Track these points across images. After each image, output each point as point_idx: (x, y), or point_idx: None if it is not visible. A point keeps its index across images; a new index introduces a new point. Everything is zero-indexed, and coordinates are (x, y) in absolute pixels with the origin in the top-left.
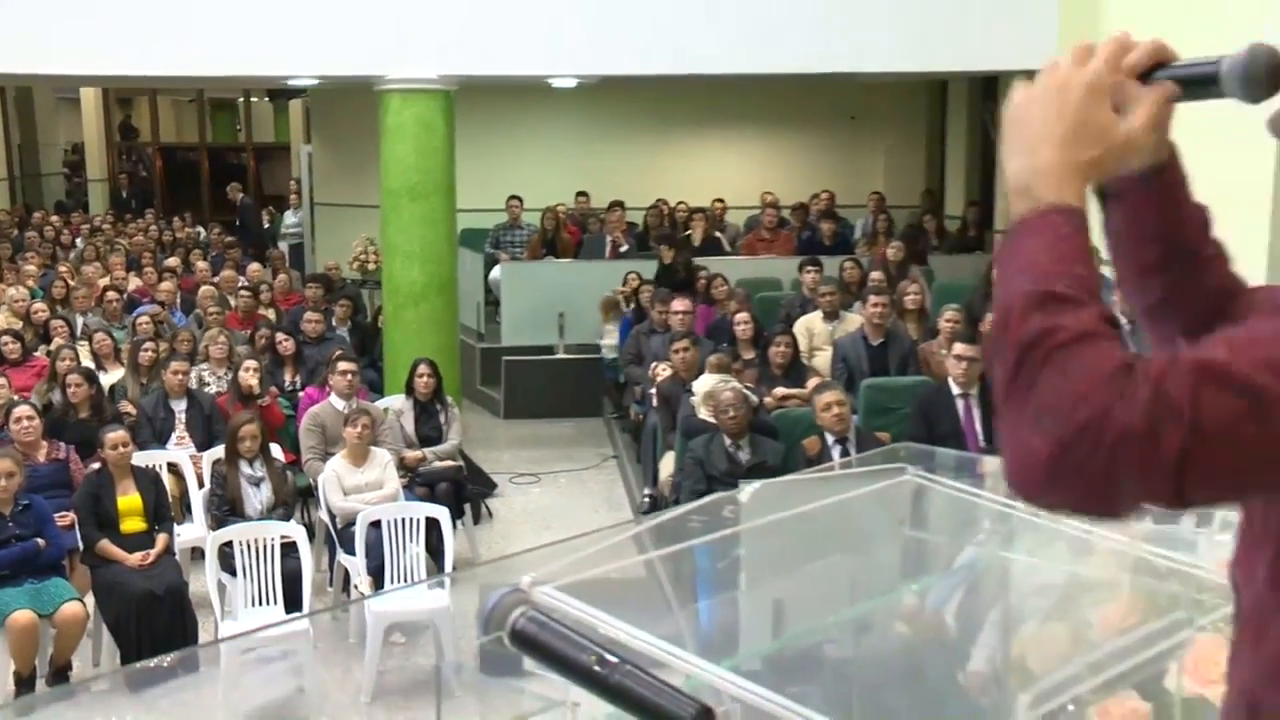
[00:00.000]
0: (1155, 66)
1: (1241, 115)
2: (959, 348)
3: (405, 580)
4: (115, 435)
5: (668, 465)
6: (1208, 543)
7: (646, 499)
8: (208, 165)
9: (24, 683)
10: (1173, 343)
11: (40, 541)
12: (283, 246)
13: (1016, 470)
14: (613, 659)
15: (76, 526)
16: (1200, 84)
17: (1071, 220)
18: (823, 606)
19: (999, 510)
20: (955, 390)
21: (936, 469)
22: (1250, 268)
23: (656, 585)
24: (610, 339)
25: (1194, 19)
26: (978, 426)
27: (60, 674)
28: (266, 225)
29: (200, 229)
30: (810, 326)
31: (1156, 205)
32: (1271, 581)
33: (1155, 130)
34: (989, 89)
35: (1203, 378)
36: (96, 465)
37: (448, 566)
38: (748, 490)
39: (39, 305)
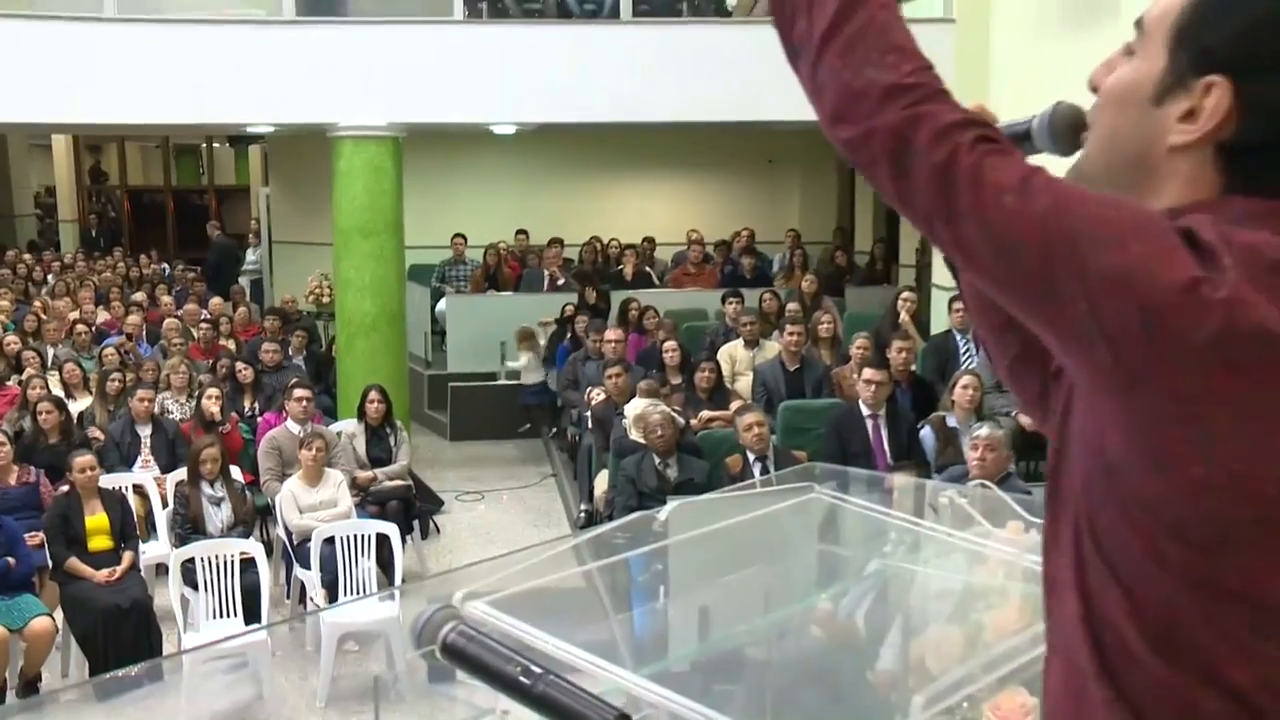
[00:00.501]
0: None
1: None
2: (868, 373)
3: (357, 592)
4: (83, 460)
5: (602, 482)
6: None
7: (583, 514)
8: (173, 206)
9: None
10: (1036, 405)
11: (11, 560)
12: (243, 281)
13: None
14: (537, 670)
15: (46, 545)
16: (1017, 141)
17: None
18: (742, 614)
19: (902, 525)
20: (865, 411)
21: (847, 486)
22: None
23: (587, 597)
24: (519, 364)
25: (1061, 70)
26: (885, 444)
27: (30, 685)
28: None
29: (165, 265)
30: (732, 353)
31: None
32: (1065, 594)
33: None
34: None
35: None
36: (65, 488)
37: (397, 579)
38: (672, 506)
39: (11, 338)
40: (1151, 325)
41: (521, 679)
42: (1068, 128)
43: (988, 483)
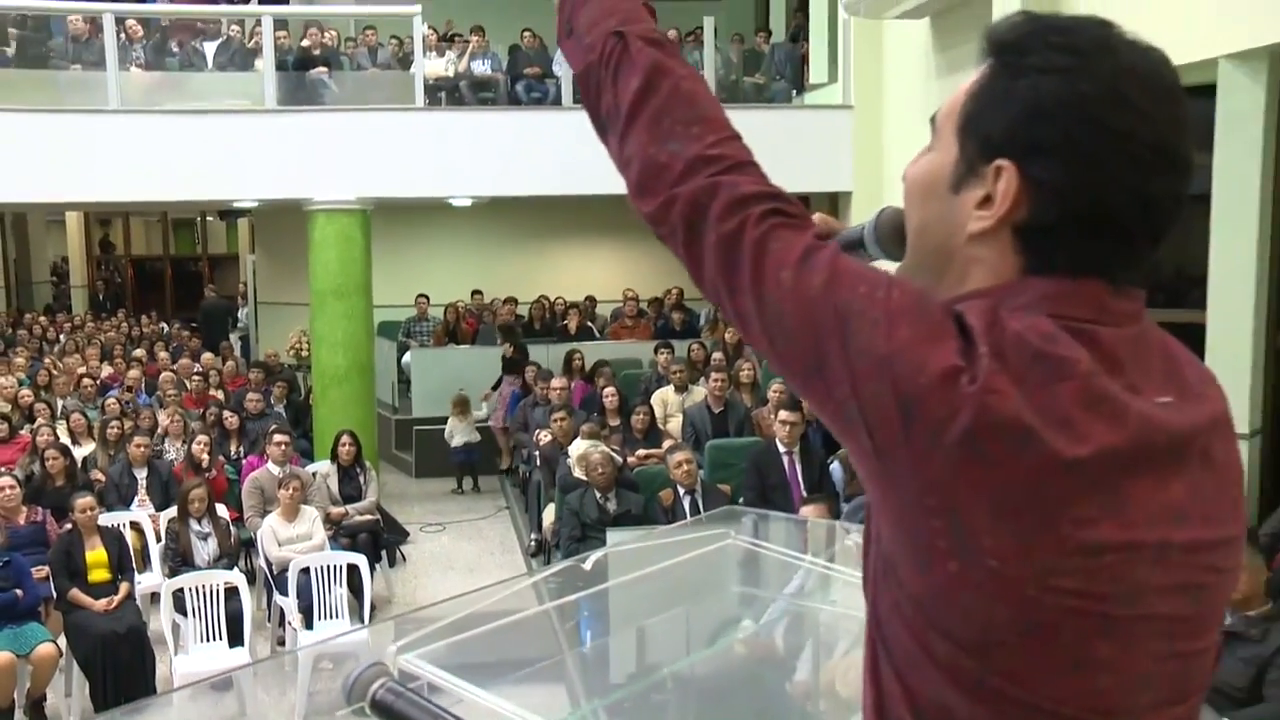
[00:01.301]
0: (828, 236)
1: None
2: (784, 414)
3: (332, 616)
4: (83, 501)
5: (550, 514)
6: None
7: (533, 541)
8: (170, 273)
9: (4, 713)
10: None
11: (19, 592)
12: (233, 338)
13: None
14: None
15: (50, 578)
16: (853, 247)
17: None
18: (670, 651)
19: (809, 568)
20: (782, 449)
21: (767, 526)
22: None
23: (523, 643)
24: (448, 429)
25: None
26: (800, 478)
27: (36, 705)
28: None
29: (164, 325)
30: (664, 398)
31: None
32: (875, 630)
33: None
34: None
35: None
36: (69, 525)
37: (366, 603)
38: (595, 555)
39: (25, 392)
40: (909, 413)
41: None
42: (892, 231)
43: None
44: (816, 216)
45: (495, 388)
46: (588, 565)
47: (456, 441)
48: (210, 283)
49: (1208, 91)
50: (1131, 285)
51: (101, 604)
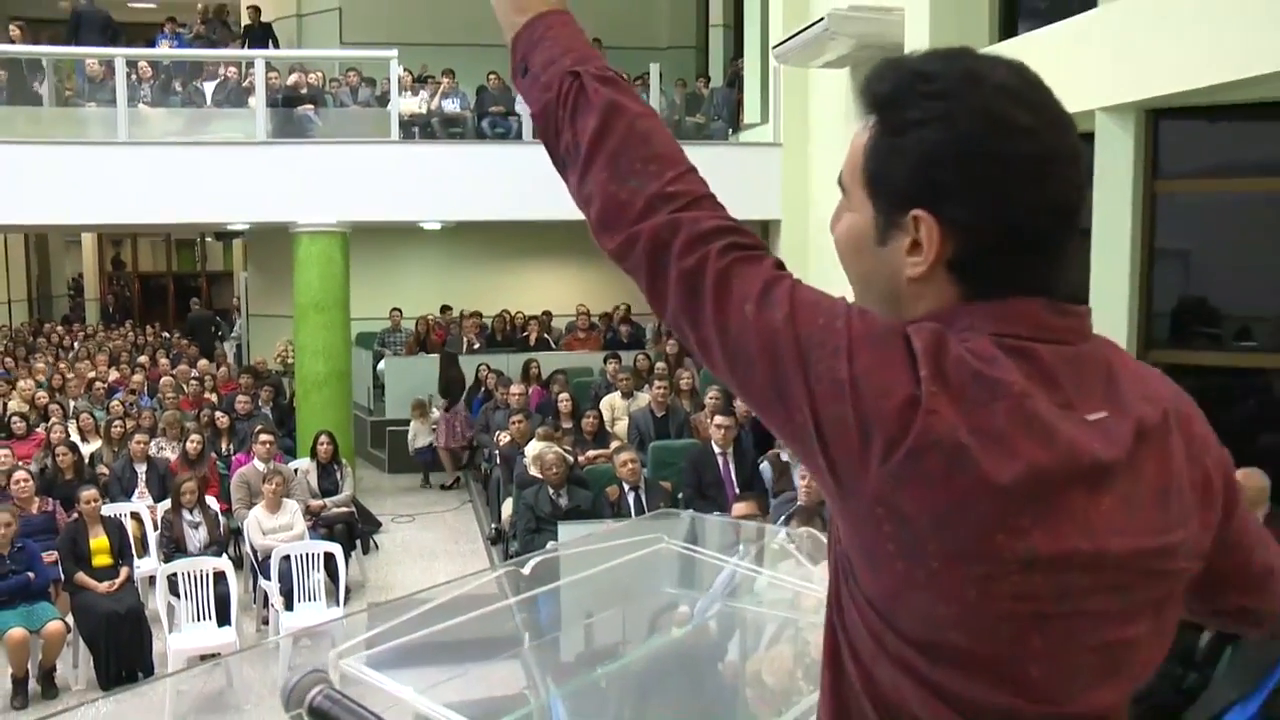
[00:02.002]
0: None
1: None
2: (719, 419)
3: (310, 599)
4: (88, 493)
5: (508, 508)
6: None
7: (493, 529)
8: (173, 288)
9: (19, 682)
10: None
11: (31, 575)
12: (226, 347)
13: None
14: None
15: (59, 563)
16: None
17: (561, 16)
18: (608, 648)
19: (735, 569)
20: (717, 450)
21: (700, 528)
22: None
23: (469, 644)
24: (410, 432)
25: None
26: (734, 476)
27: (46, 675)
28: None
29: (166, 334)
30: (612, 403)
31: None
32: (837, 617)
33: None
34: None
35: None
36: (75, 515)
37: (342, 587)
38: (535, 559)
39: (41, 394)
40: (868, 434)
41: None
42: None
43: (816, 516)
44: None
45: (447, 410)
46: (526, 570)
47: (420, 443)
48: (205, 297)
49: (1087, 139)
50: (1071, 302)
51: (104, 586)
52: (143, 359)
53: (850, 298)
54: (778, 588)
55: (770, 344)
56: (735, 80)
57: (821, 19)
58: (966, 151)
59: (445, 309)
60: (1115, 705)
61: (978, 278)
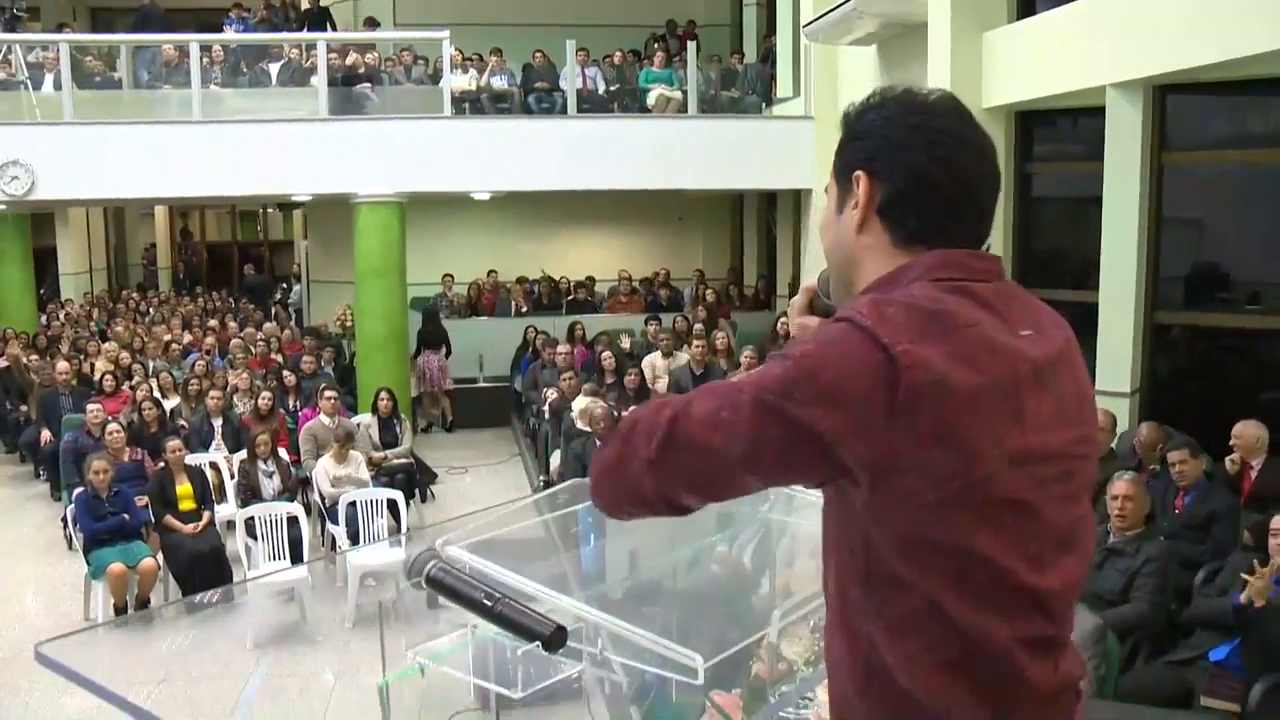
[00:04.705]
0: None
1: None
2: None
3: (374, 541)
4: (173, 443)
5: (556, 460)
6: None
7: (542, 482)
8: (238, 256)
9: (119, 611)
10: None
11: (126, 516)
12: (290, 310)
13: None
14: (497, 595)
15: (149, 506)
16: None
17: None
18: (659, 552)
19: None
20: None
21: None
22: None
23: (540, 542)
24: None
25: None
26: None
27: (142, 604)
28: (277, 297)
29: (232, 300)
30: (653, 362)
31: None
32: (837, 591)
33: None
34: (770, 200)
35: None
36: (161, 464)
37: (403, 531)
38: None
39: (125, 354)
40: (867, 414)
41: (485, 601)
42: (827, 283)
43: None
44: (806, 284)
45: (416, 356)
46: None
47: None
48: (268, 265)
49: (1099, 112)
50: (986, 253)
51: (189, 528)
52: (213, 323)
53: None
54: (811, 506)
55: (758, 416)
56: (768, 56)
57: None
58: (884, 120)
59: (493, 273)
60: (1076, 580)
61: (902, 218)
